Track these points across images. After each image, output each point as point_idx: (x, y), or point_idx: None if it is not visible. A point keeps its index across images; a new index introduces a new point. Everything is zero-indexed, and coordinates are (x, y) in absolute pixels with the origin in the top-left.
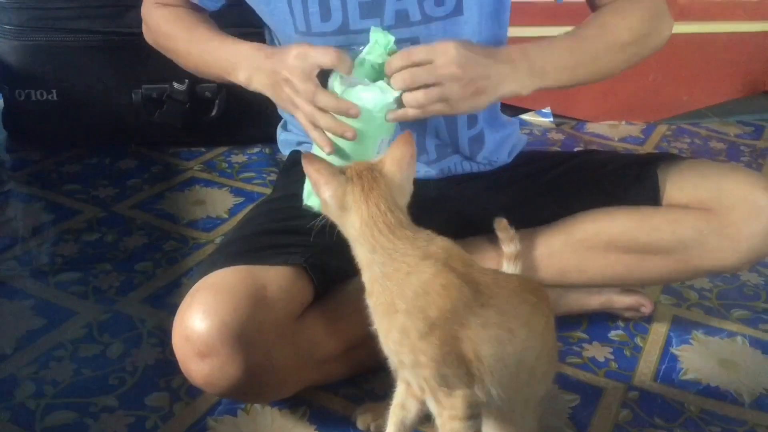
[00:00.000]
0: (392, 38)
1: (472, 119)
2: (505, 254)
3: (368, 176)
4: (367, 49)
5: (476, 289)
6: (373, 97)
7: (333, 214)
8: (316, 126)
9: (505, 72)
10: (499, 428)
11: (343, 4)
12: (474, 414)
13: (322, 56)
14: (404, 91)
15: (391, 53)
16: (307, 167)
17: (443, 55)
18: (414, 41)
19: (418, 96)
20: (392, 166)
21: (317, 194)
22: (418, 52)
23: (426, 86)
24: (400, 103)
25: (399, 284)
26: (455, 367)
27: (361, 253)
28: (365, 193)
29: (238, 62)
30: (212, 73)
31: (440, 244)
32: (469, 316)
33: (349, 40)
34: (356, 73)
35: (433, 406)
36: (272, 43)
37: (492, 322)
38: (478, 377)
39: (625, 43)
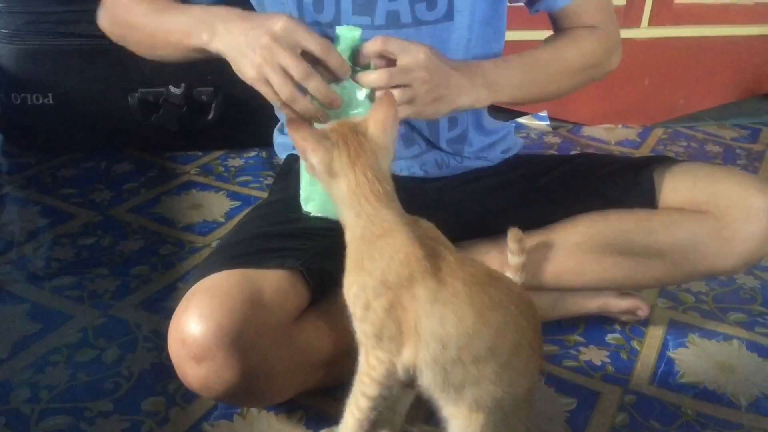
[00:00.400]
0: (359, 32)
1: (452, 120)
2: (510, 264)
3: (354, 141)
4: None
5: (437, 265)
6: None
7: (321, 179)
8: (291, 100)
9: (464, 84)
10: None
11: None
12: (388, 385)
13: (312, 42)
14: (374, 89)
15: (355, 49)
16: (293, 134)
17: (415, 56)
18: None
19: (393, 95)
20: (376, 128)
21: (304, 159)
22: (392, 44)
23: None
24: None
25: (369, 245)
26: (392, 331)
27: (346, 215)
28: (352, 160)
29: (203, 21)
30: (171, 41)
31: (419, 220)
32: (421, 288)
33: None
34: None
35: (361, 360)
36: None
37: (441, 299)
38: (411, 350)
39: (575, 69)
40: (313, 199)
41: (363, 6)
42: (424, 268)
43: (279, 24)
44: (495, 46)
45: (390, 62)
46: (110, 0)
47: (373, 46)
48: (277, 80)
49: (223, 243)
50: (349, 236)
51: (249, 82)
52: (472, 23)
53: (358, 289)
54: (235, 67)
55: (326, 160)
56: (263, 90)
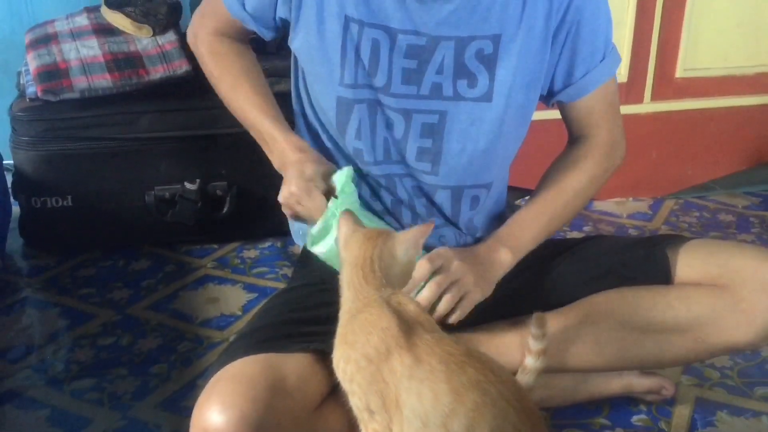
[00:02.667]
0: (350, 170)
1: (474, 202)
2: (532, 349)
3: (374, 235)
4: (339, 189)
5: (415, 342)
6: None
7: (340, 253)
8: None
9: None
10: None
11: (390, 66)
12: None
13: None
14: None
15: (353, 180)
16: (343, 219)
17: (450, 261)
18: (442, 114)
19: (447, 300)
20: (399, 240)
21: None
22: (435, 261)
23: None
24: None
25: (353, 319)
26: (378, 405)
27: (343, 289)
28: (364, 245)
29: (272, 150)
30: (246, 125)
31: (402, 299)
32: (397, 363)
33: (388, 102)
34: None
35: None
36: (297, 85)
37: (418, 376)
38: (397, 423)
39: (586, 198)
40: (318, 244)
41: (412, 76)
42: (399, 344)
43: (289, 189)
44: (522, 130)
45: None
46: (196, 46)
47: (422, 272)
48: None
49: (246, 330)
50: (341, 311)
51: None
52: (507, 107)
53: (344, 363)
54: None
55: (347, 235)
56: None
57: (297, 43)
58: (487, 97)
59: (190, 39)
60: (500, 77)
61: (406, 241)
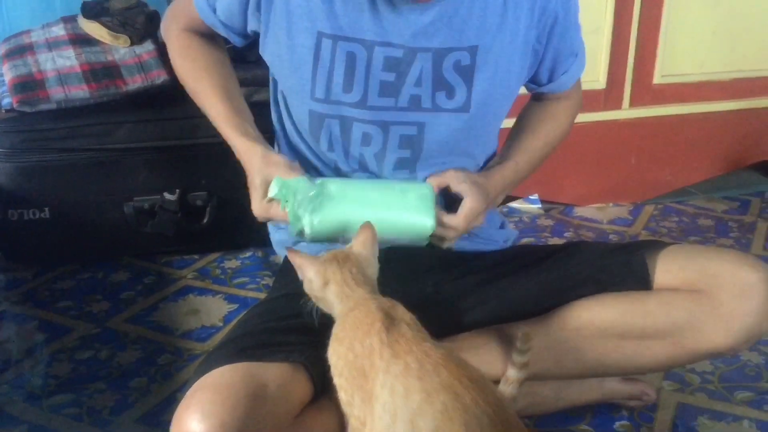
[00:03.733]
0: (277, 180)
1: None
2: (515, 362)
3: (341, 255)
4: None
5: (396, 340)
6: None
7: (316, 292)
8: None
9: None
10: None
11: (366, 79)
12: None
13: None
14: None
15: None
16: (293, 258)
17: (474, 201)
18: (420, 126)
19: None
20: (359, 246)
21: (302, 277)
22: (451, 181)
23: None
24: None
25: (344, 318)
26: (359, 398)
27: (337, 308)
28: (340, 265)
29: (240, 156)
30: (212, 122)
31: (394, 303)
32: (377, 358)
33: (362, 115)
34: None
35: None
36: (275, 94)
37: (393, 371)
38: (370, 418)
39: (557, 144)
40: (297, 231)
41: (389, 89)
42: (381, 339)
43: (253, 206)
44: (499, 123)
45: None
46: (169, 40)
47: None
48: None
49: (225, 339)
50: (336, 322)
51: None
52: (485, 116)
53: (336, 359)
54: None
55: (321, 270)
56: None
57: (267, 54)
58: (465, 108)
59: (162, 32)
60: (477, 88)
61: (362, 244)
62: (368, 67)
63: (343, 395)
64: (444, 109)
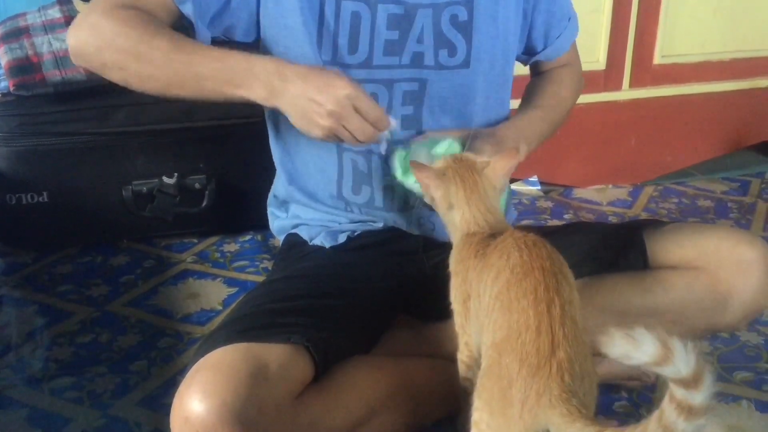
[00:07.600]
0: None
1: None
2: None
3: (470, 179)
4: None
5: (488, 243)
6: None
7: (440, 209)
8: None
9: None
10: None
11: (371, 39)
12: (470, 365)
13: (371, 113)
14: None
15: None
16: (417, 174)
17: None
18: (422, 82)
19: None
20: (494, 171)
21: (426, 194)
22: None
23: None
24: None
25: (467, 241)
26: (463, 308)
27: (458, 235)
28: (467, 196)
29: (254, 74)
30: (205, 87)
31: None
32: (472, 260)
33: (369, 74)
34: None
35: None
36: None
37: (479, 268)
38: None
39: (569, 107)
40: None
41: (393, 47)
42: (479, 245)
43: (343, 92)
44: (503, 93)
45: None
46: (98, 21)
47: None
48: (347, 138)
49: (226, 320)
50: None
51: (316, 139)
52: (485, 72)
53: (454, 277)
54: (297, 125)
55: (446, 195)
56: (332, 140)
57: (269, 28)
58: (465, 63)
59: (78, 20)
60: (477, 43)
61: (497, 171)
62: (373, 26)
63: (456, 318)
64: (446, 67)
